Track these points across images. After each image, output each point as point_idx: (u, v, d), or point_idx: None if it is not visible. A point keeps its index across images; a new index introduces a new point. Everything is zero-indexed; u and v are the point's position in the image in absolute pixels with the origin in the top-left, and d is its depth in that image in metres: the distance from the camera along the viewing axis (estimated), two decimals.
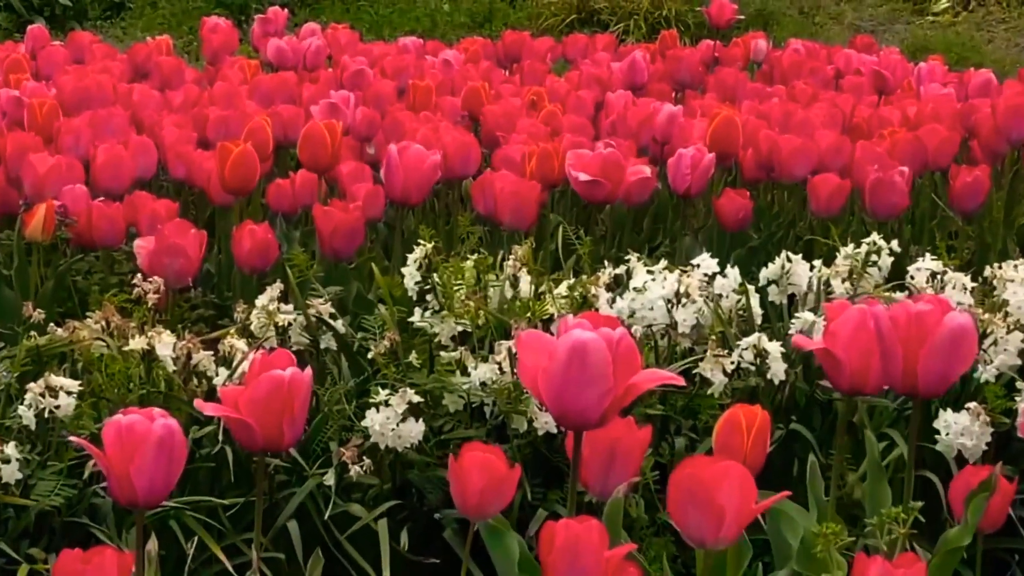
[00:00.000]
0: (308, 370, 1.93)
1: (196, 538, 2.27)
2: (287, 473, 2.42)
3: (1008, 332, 2.59)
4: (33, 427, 2.29)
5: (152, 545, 1.88)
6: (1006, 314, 2.67)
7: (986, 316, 2.61)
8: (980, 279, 2.82)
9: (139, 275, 2.90)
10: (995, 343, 2.57)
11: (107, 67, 4.96)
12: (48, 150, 3.68)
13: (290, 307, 2.71)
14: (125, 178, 3.62)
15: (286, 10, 6.27)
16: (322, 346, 2.70)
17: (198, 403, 1.99)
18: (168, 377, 2.47)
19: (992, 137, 4.17)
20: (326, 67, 5.40)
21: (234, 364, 2.49)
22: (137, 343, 2.47)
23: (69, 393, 2.31)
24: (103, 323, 2.58)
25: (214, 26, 5.67)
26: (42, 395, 2.30)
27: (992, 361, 2.56)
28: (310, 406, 2.45)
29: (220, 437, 2.35)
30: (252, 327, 2.69)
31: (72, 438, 2.08)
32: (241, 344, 2.57)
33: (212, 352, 2.55)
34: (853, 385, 2.02)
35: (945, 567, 1.96)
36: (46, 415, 2.29)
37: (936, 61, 5.57)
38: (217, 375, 2.49)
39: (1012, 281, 2.73)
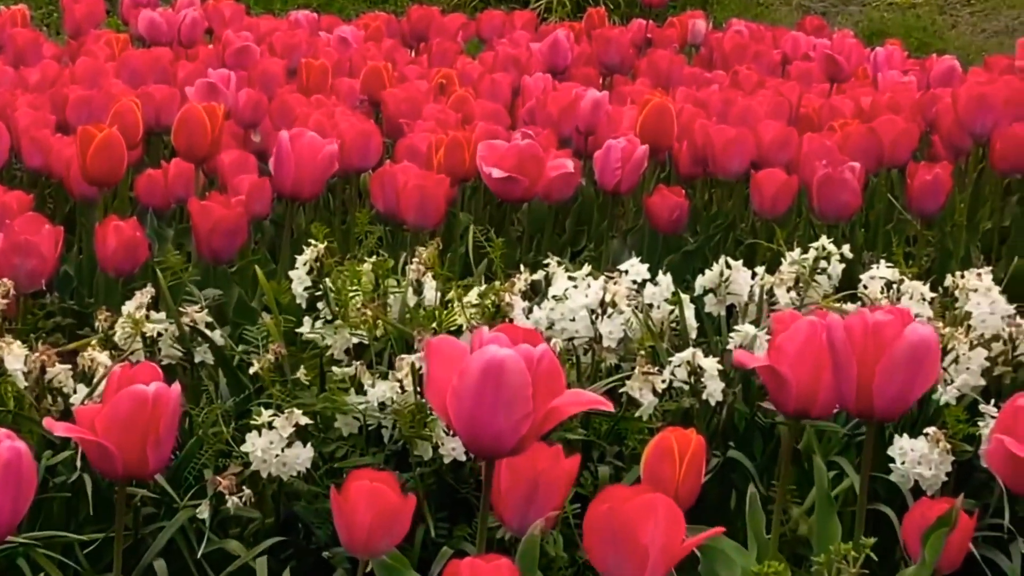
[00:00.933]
0: (176, 386, 1.90)
1: None
2: (155, 505, 2.39)
3: (971, 348, 2.60)
4: None
5: None
6: (968, 328, 2.68)
7: (947, 330, 2.63)
8: (940, 289, 2.84)
9: None
10: (956, 360, 2.58)
11: None
12: None
13: (161, 315, 2.68)
14: None
15: None
16: (197, 360, 2.67)
17: (48, 423, 1.96)
18: (18, 394, 2.43)
19: (954, 131, 4.21)
20: (205, 43, 5.36)
21: (95, 380, 2.45)
22: None
23: None
24: None
25: None
26: None
27: (953, 381, 2.57)
28: (182, 428, 2.44)
29: (78, 463, 2.32)
30: (116, 338, 2.65)
31: None
32: (103, 357, 2.53)
33: (70, 366, 2.52)
34: (800, 407, 2.02)
35: None
36: None
37: (894, 46, 5.62)
38: (75, 392, 2.46)
39: (975, 291, 2.75)
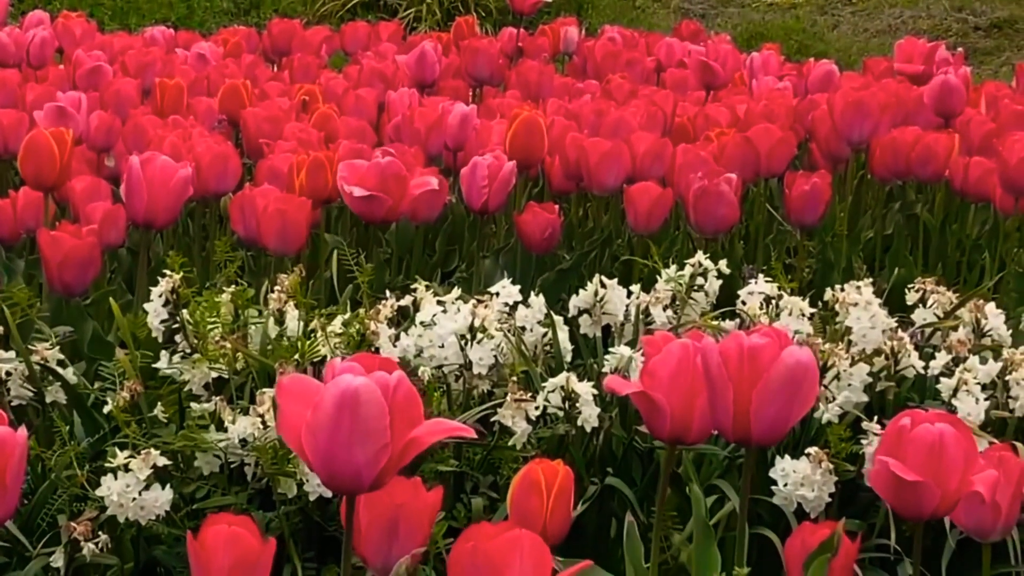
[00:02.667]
0: (23, 430, 1.88)
1: None
2: (6, 553, 2.37)
3: (852, 364, 2.63)
4: None
5: None
6: (849, 343, 2.71)
7: (827, 346, 2.65)
8: (821, 303, 2.86)
9: None
10: (838, 377, 2.61)
11: None
12: None
13: (10, 354, 2.65)
14: None
15: None
16: (49, 400, 2.64)
17: None
18: None
19: (832, 138, 4.25)
20: (56, 63, 5.31)
21: None
22: None
23: None
24: None
25: None
26: None
27: (834, 398, 2.59)
28: (34, 471, 2.42)
29: None
30: None
31: None
32: None
33: None
34: (675, 433, 2.03)
35: None
36: None
37: (771, 51, 5.67)
38: None
39: (856, 305, 2.78)
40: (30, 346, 2.66)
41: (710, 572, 1.98)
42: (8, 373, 2.62)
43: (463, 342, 2.67)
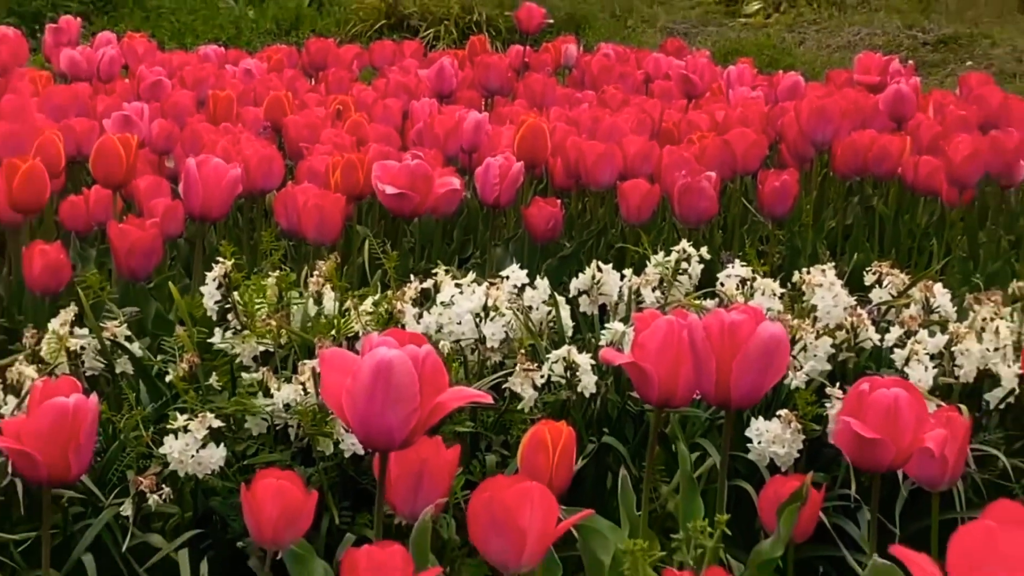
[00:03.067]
0: (94, 397, 1.89)
1: None
2: (82, 504, 2.37)
3: (817, 338, 2.63)
4: None
5: None
6: (815, 319, 2.71)
7: (795, 322, 2.65)
8: (789, 284, 2.87)
9: None
10: (804, 349, 2.61)
11: None
12: None
13: (84, 331, 2.65)
14: None
15: (80, 19, 6.14)
16: (118, 370, 2.65)
17: None
18: None
19: (799, 140, 4.25)
20: (122, 78, 5.31)
21: (23, 392, 2.42)
22: None
23: None
24: None
25: (2, 36, 5.53)
26: None
27: (802, 367, 2.60)
28: (105, 433, 2.42)
29: (10, 469, 2.29)
30: (43, 353, 2.63)
31: None
32: (30, 371, 2.51)
33: (0, 380, 2.49)
34: (662, 397, 2.03)
35: None
36: None
37: (745, 64, 5.65)
38: (5, 404, 2.43)
39: (820, 286, 2.78)
40: (101, 324, 2.66)
41: (694, 519, 1.98)
42: (83, 347, 2.63)
43: (478, 319, 2.67)
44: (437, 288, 2.79)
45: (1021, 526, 1.06)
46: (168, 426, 2.33)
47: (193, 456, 2.29)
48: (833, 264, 2.95)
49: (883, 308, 2.92)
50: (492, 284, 2.74)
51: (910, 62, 6.32)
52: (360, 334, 2.57)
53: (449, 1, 8.38)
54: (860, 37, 8.76)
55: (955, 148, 3.96)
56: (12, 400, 2.43)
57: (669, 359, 1.99)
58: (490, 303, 2.68)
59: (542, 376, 2.53)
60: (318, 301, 2.68)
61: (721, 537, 1.76)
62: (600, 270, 2.98)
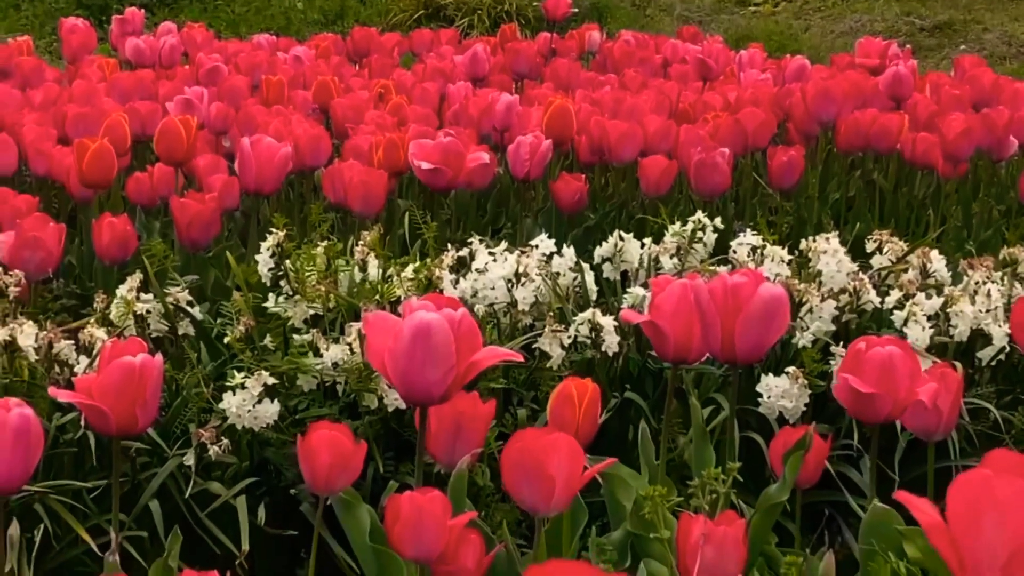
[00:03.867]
0: (159, 356, 1.90)
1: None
2: (149, 455, 2.38)
3: (822, 300, 2.63)
4: None
5: (14, 529, 1.84)
6: (820, 283, 2.71)
7: (802, 286, 2.65)
8: (796, 252, 2.86)
9: (1, 268, 2.84)
10: (811, 311, 2.61)
11: None
12: None
13: (149, 296, 2.67)
14: None
15: (143, 10, 6.15)
16: (180, 332, 2.66)
17: (53, 391, 1.95)
18: (31, 366, 2.42)
19: (805, 119, 4.23)
20: (182, 64, 5.32)
21: (94, 352, 2.44)
22: None
23: None
24: None
25: (72, 27, 5.56)
26: None
27: (808, 328, 2.59)
28: (169, 390, 2.43)
29: (83, 423, 2.31)
30: (112, 316, 2.64)
31: None
32: (101, 333, 2.52)
33: (73, 341, 2.50)
34: (677, 355, 2.03)
35: (766, 522, 1.97)
36: None
37: (756, 49, 5.63)
38: (78, 363, 2.44)
39: (825, 253, 2.77)
40: (165, 290, 2.67)
41: (706, 467, 1.98)
42: (148, 311, 2.64)
43: (510, 285, 2.68)
44: (472, 256, 2.80)
45: (1016, 474, 1.06)
46: (226, 383, 2.35)
47: (249, 411, 2.31)
48: (837, 233, 2.94)
49: (883, 273, 2.92)
50: (523, 252, 2.74)
51: (908, 46, 6.28)
52: (401, 298, 2.57)
53: None
54: (861, 23, 8.70)
55: (949, 125, 3.94)
56: (84, 359, 2.45)
57: (683, 319, 1.99)
58: (521, 270, 2.68)
59: (569, 337, 2.54)
60: (363, 268, 2.69)
61: (733, 483, 1.76)
62: (622, 239, 2.97)
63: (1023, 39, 7.94)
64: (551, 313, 2.62)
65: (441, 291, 2.64)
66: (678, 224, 3.04)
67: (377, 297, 2.57)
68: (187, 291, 2.69)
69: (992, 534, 1.06)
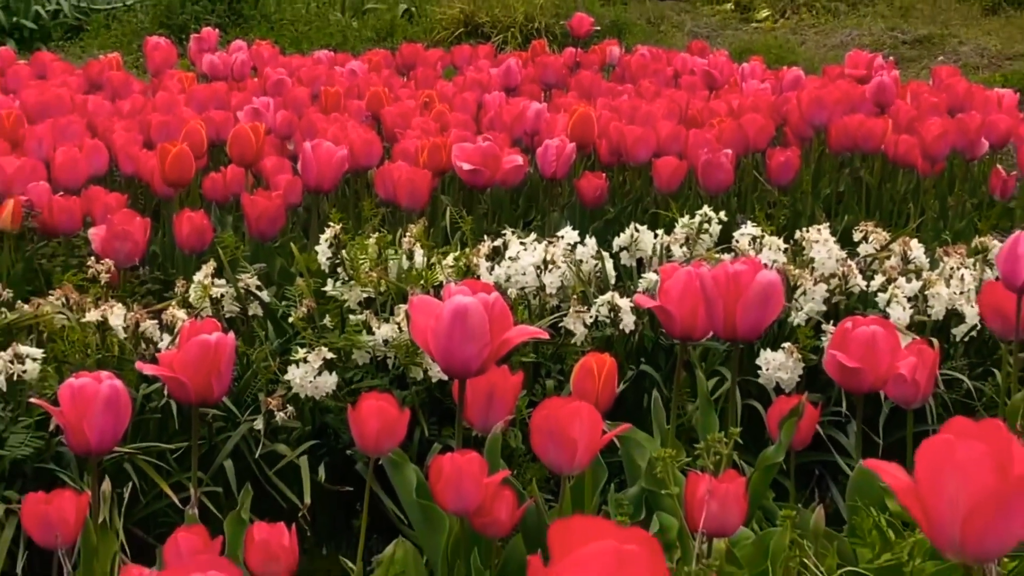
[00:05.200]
0: (231, 334, 1.91)
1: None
2: (223, 421, 2.40)
3: (815, 284, 2.63)
4: (4, 389, 2.25)
5: (107, 486, 1.86)
6: (812, 269, 2.70)
7: (797, 272, 2.64)
8: (792, 241, 2.85)
9: (94, 258, 2.86)
10: (804, 293, 2.61)
11: (66, 81, 4.87)
12: (15, 153, 3.61)
13: (223, 281, 2.68)
14: (81, 175, 3.57)
15: (217, 30, 6.16)
16: (250, 313, 2.67)
17: (139, 365, 1.96)
18: (121, 343, 2.44)
19: (800, 124, 4.22)
20: (252, 77, 5.33)
21: (176, 331, 2.46)
22: (93, 315, 2.44)
23: (34, 360, 2.28)
24: (64, 299, 2.55)
25: (156, 44, 5.57)
26: (11, 362, 2.26)
27: (802, 308, 2.59)
28: (240, 363, 2.45)
29: (166, 393, 2.33)
30: (191, 299, 2.66)
31: (32, 399, 2.04)
32: (181, 313, 2.54)
33: (157, 321, 2.52)
34: (683, 333, 2.03)
35: (764, 480, 1.98)
36: (15, 379, 2.25)
37: (756, 61, 5.59)
38: (162, 340, 2.46)
39: (817, 242, 2.77)
40: (237, 276, 2.69)
41: (710, 432, 1.99)
42: (222, 295, 2.66)
43: (538, 271, 2.68)
44: (505, 246, 2.80)
45: (973, 438, 1.06)
46: (291, 358, 2.36)
47: (311, 382, 2.32)
48: (828, 224, 2.93)
49: (868, 260, 2.91)
50: (550, 243, 2.75)
51: (891, 58, 6.24)
52: (443, 284, 2.58)
53: (515, 12, 8.32)
54: (851, 37, 8.64)
55: (928, 129, 3.92)
56: (167, 337, 2.47)
57: (688, 303, 1.99)
58: (548, 258, 2.68)
59: (591, 316, 2.54)
60: (410, 257, 2.70)
61: (734, 446, 1.76)
62: (637, 230, 2.98)
63: (995, 51, 7.87)
64: (575, 296, 2.62)
65: (478, 277, 2.64)
66: (687, 217, 3.03)
67: (422, 282, 2.58)
68: (256, 277, 2.71)
69: (953, 492, 1.06)
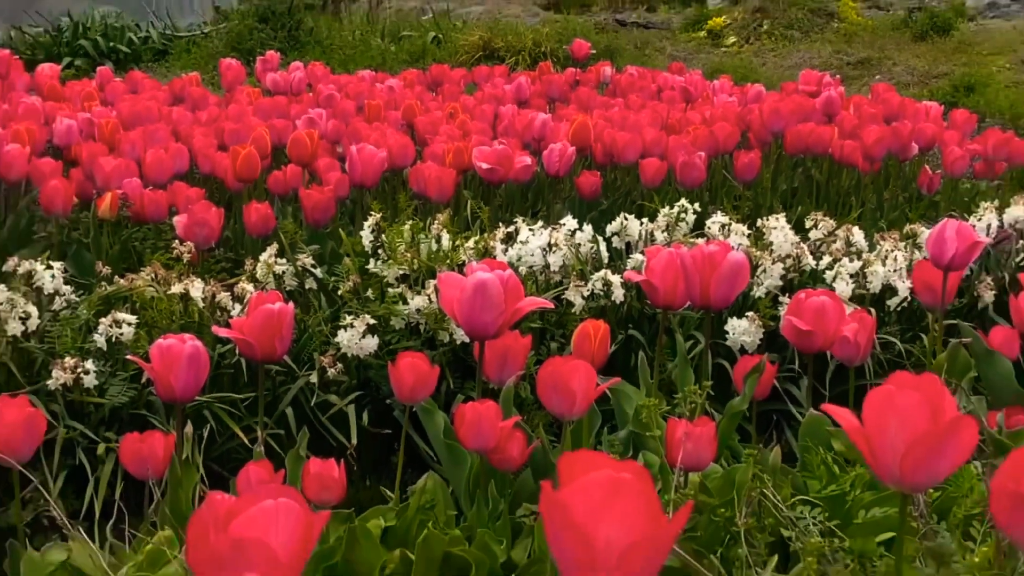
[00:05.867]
0: (291, 304, 1.91)
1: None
2: (284, 375, 2.40)
3: (773, 263, 2.61)
4: (105, 349, 2.26)
5: (189, 428, 1.86)
6: (771, 251, 2.69)
7: (758, 253, 2.63)
8: (754, 228, 2.85)
9: (177, 241, 2.86)
10: (764, 271, 2.60)
11: (154, 95, 4.87)
12: (112, 155, 3.62)
13: (284, 260, 2.68)
14: (167, 173, 3.57)
15: (279, 53, 6.15)
16: (307, 287, 2.67)
17: (215, 329, 1.96)
18: (200, 311, 2.44)
19: (761, 131, 4.20)
20: (307, 92, 5.32)
21: (245, 301, 2.46)
22: (177, 288, 2.44)
23: (129, 324, 2.28)
24: (153, 275, 2.55)
25: (228, 65, 5.56)
26: (111, 326, 2.26)
27: (763, 284, 2.58)
28: (299, 329, 2.45)
29: (237, 352, 2.33)
30: (257, 275, 2.66)
31: (129, 357, 2.05)
32: (250, 287, 2.54)
33: (230, 293, 2.52)
34: (666, 303, 2.02)
35: (730, 425, 1.97)
36: (114, 340, 2.26)
37: (725, 79, 5.58)
38: (234, 309, 2.46)
39: (775, 228, 2.76)
40: (296, 256, 2.68)
41: (686, 385, 1.98)
42: (283, 271, 2.65)
43: (544, 252, 2.68)
44: (517, 232, 2.80)
45: (911, 388, 1.06)
46: (340, 324, 2.36)
47: (357, 343, 2.32)
48: (784, 214, 2.92)
49: (818, 243, 2.90)
50: (554, 229, 2.74)
51: (837, 76, 6.21)
52: (465, 263, 2.58)
53: (525, 39, 8.29)
54: (804, 59, 8.59)
55: (868, 135, 3.91)
56: (238, 306, 2.47)
57: (670, 277, 1.98)
58: (552, 241, 2.68)
59: (587, 290, 2.54)
60: (438, 240, 2.70)
61: (706, 397, 1.76)
62: (626, 219, 2.96)
63: (922, 71, 7.82)
64: (574, 273, 2.62)
65: (494, 257, 2.64)
66: (668, 208, 3.02)
67: (448, 261, 2.57)
68: (311, 257, 2.71)
69: (894, 432, 1.05)
